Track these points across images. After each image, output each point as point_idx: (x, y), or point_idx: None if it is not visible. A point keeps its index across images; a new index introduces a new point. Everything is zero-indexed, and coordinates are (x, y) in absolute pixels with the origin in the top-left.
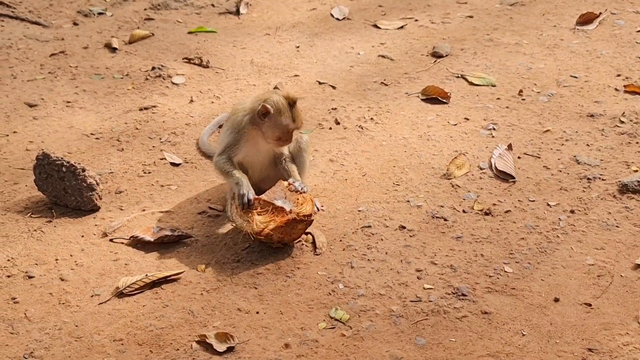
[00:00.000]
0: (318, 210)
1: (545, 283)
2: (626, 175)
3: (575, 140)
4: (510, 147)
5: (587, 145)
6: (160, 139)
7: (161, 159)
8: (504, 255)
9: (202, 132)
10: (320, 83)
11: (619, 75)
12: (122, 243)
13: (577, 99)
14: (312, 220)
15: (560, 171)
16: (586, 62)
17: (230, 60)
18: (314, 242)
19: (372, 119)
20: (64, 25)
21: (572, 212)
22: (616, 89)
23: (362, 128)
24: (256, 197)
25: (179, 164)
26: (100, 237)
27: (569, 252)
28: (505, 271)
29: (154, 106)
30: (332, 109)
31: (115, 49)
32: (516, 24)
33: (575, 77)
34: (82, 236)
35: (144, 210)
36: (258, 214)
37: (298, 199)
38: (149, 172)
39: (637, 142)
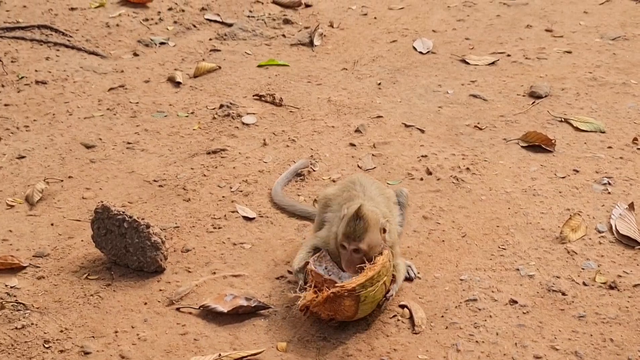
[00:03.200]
0: (413, 278)
1: None
2: None
3: None
4: (632, 206)
5: None
6: (231, 187)
7: (232, 212)
8: (637, 341)
9: (276, 181)
10: (406, 126)
11: None
12: (191, 313)
13: None
14: (359, 296)
15: None
16: None
17: (305, 98)
18: (411, 318)
19: (467, 168)
20: (124, 56)
21: None
22: None
23: (457, 179)
24: (310, 268)
25: (253, 219)
26: (166, 305)
27: None
28: None
29: (223, 149)
30: (422, 156)
31: (179, 83)
32: (620, 60)
33: None
34: (145, 303)
35: (214, 273)
36: (310, 288)
37: (367, 267)
38: (219, 228)
39: None
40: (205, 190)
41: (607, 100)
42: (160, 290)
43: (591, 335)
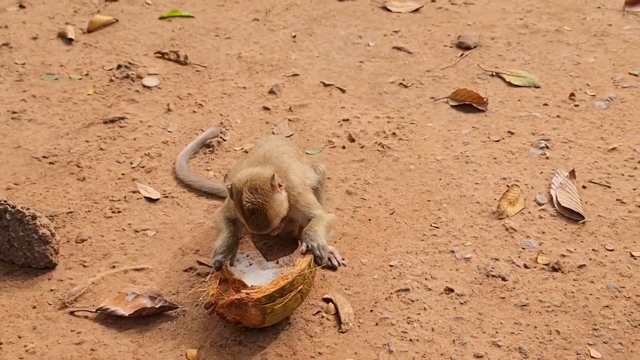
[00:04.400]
0: (337, 266)
1: None
2: None
3: None
4: (572, 174)
5: None
6: (132, 163)
7: (133, 192)
8: (586, 332)
9: (179, 154)
10: (325, 85)
11: None
12: (87, 317)
13: None
14: (265, 307)
15: (639, 207)
16: None
17: (213, 55)
18: (337, 314)
19: (394, 133)
20: (8, 9)
21: None
22: None
23: (383, 147)
24: (224, 262)
25: (157, 200)
26: (58, 308)
27: None
28: (592, 357)
29: (122, 118)
30: (344, 120)
31: (71, 39)
32: (552, 4)
33: (635, 74)
34: (34, 307)
35: (113, 267)
36: (215, 283)
37: (280, 276)
38: (119, 212)
39: None
40: (103, 167)
41: (540, 50)
42: (52, 290)
43: (535, 327)
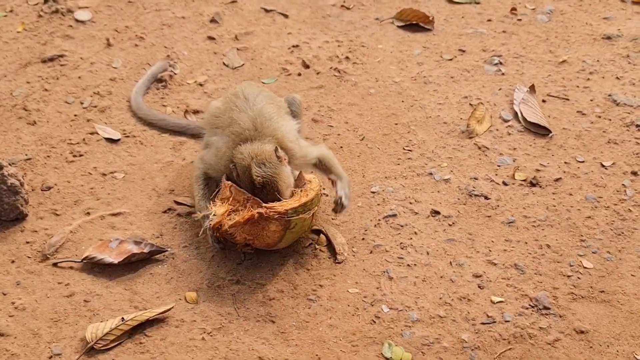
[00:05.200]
0: (338, 208)
1: (637, 279)
2: None
3: (601, 73)
4: (532, 89)
5: (617, 78)
6: (82, 103)
7: (91, 134)
8: (574, 244)
9: (133, 91)
10: (266, 10)
11: None
12: (72, 268)
13: (582, 15)
14: (290, 220)
15: (600, 117)
16: None
17: None
18: (330, 245)
19: (347, 57)
20: None
21: (634, 173)
22: (622, 0)
23: (339, 71)
24: (229, 183)
25: (118, 140)
26: (39, 261)
27: None
28: (585, 267)
29: (61, 55)
30: (293, 46)
31: None
32: None
33: None
34: (13, 261)
35: (88, 213)
36: (224, 202)
37: (303, 190)
38: (81, 155)
39: None
40: (52, 108)
41: None
42: (28, 242)
43: (526, 242)
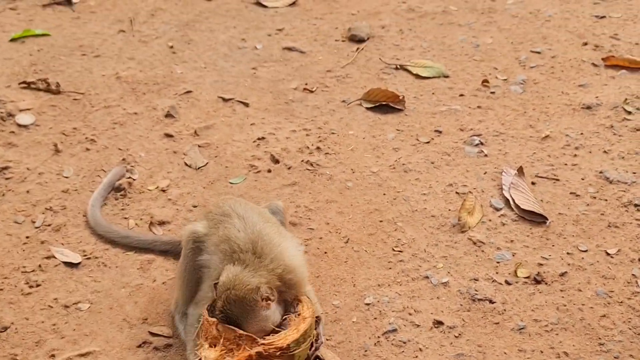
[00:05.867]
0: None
1: None
2: None
3: (587, 147)
4: (521, 171)
5: (605, 152)
6: (34, 222)
7: (48, 258)
8: (593, 349)
9: (89, 204)
10: (224, 100)
11: (585, 44)
12: None
13: (556, 83)
14: (293, 355)
15: (595, 198)
16: (538, 29)
17: (87, 78)
18: None
19: (318, 148)
20: None
21: None
22: (594, 64)
23: (311, 165)
24: (213, 320)
25: (78, 263)
26: None
27: None
28: None
29: (5, 167)
30: (259, 138)
31: None
32: None
33: (538, 52)
34: None
35: (52, 356)
36: (211, 346)
37: (296, 320)
38: (38, 285)
39: None
40: (0, 231)
41: (435, 34)
42: None
43: (541, 351)
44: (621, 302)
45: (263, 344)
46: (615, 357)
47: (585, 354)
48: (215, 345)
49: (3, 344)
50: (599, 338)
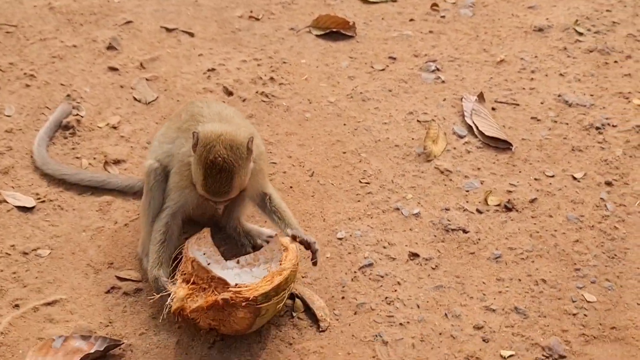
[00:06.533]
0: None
1: None
2: (634, 114)
3: (542, 70)
4: (481, 97)
5: (561, 75)
6: None
7: None
8: (569, 274)
9: (34, 143)
10: (168, 30)
11: None
12: None
13: (505, 5)
14: (259, 308)
15: (556, 122)
16: None
17: (18, 9)
18: (307, 310)
19: (271, 78)
20: None
21: (608, 184)
22: None
23: (267, 96)
24: (190, 257)
25: (32, 207)
26: None
27: None
28: (588, 301)
29: None
30: (209, 70)
31: None
32: None
33: None
34: None
35: (16, 306)
36: (183, 283)
37: (273, 271)
38: None
39: (614, 61)
40: None
41: None
42: None
43: (519, 280)
44: (592, 226)
45: (232, 290)
46: (591, 282)
47: (563, 280)
48: (187, 282)
49: None
50: (574, 264)
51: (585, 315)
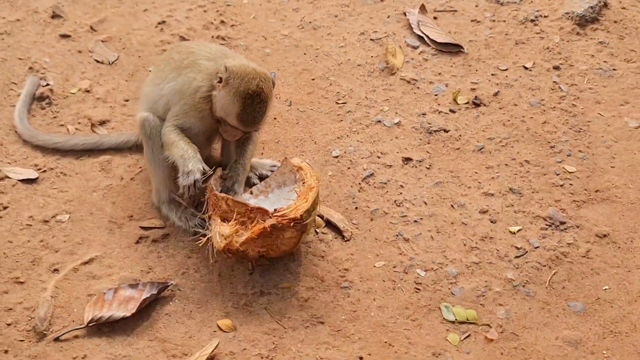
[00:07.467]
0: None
1: (619, 168)
2: (560, 3)
3: None
4: (423, 9)
5: None
6: None
7: (1, 180)
8: (547, 152)
9: (15, 117)
10: None
11: None
12: (78, 336)
13: None
14: (306, 224)
15: (494, 21)
16: None
17: None
18: (328, 224)
19: (222, 22)
20: None
21: (556, 68)
22: None
23: (224, 39)
24: (223, 195)
25: (36, 179)
26: (37, 340)
27: (601, 117)
28: (570, 172)
29: None
30: (159, 23)
31: None
32: None
33: None
34: (6, 351)
35: (56, 270)
36: (223, 221)
37: (303, 189)
38: (5, 207)
39: None
40: None
41: None
42: (9, 324)
43: (506, 164)
44: (554, 107)
45: (275, 216)
46: (568, 155)
47: (543, 157)
48: (227, 220)
49: None
50: (548, 142)
51: (570, 184)
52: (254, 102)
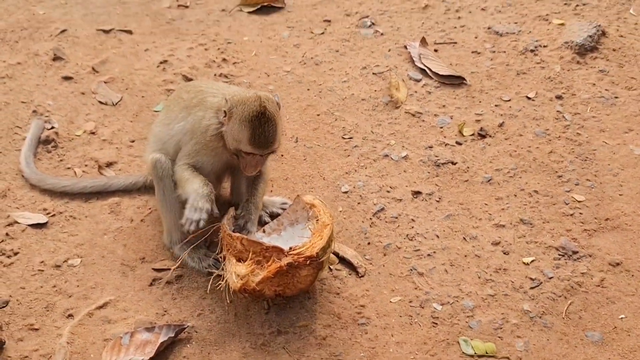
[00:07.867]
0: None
1: (627, 195)
2: (558, 32)
3: (466, 8)
4: (424, 42)
5: (483, 9)
6: None
7: (11, 224)
8: (554, 181)
9: (21, 162)
10: (105, 31)
11: None
12: None
13: None
14: (322, 262)
15: (494, 52)
16: None
17: None
18: (342, 261)
19: (223, 59)
20: None
21: (559, 97)
22: None
23: (226, 77)
24: (237, 235)
25: (46, 223)
26: None
27: (606, 146)
28: (579, 201)
29: None
30: (161, 62)
31: None
32: None
33: None
34: None
35: (70, 316)
36: (238, 261)
37: (318, 226)
38: (16, 253)
39: None
40: None
41: None
42: None
43: (515, 195)
44: (559, 136)
45: (291, 254)
46: (576, 184)
47: (551, 187)
48: (242, 260)
49: (12, 317)
50: (556, 171)
51: (580, 213)
52: (260, 122)
